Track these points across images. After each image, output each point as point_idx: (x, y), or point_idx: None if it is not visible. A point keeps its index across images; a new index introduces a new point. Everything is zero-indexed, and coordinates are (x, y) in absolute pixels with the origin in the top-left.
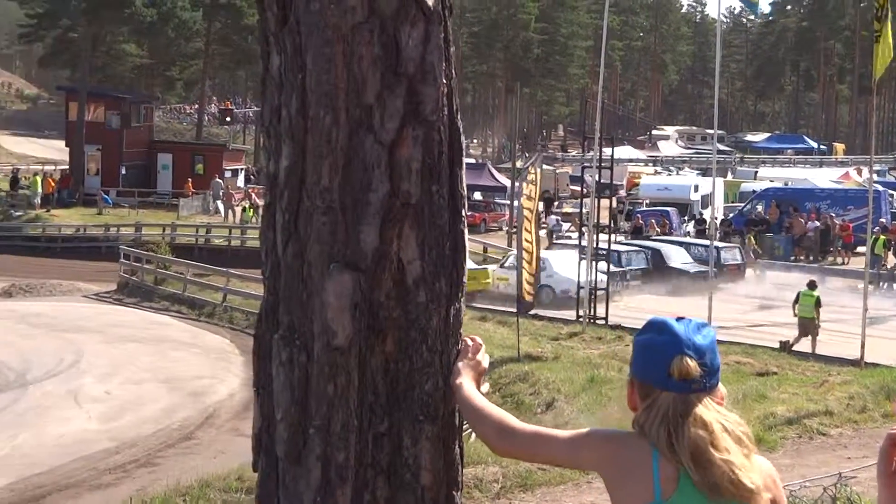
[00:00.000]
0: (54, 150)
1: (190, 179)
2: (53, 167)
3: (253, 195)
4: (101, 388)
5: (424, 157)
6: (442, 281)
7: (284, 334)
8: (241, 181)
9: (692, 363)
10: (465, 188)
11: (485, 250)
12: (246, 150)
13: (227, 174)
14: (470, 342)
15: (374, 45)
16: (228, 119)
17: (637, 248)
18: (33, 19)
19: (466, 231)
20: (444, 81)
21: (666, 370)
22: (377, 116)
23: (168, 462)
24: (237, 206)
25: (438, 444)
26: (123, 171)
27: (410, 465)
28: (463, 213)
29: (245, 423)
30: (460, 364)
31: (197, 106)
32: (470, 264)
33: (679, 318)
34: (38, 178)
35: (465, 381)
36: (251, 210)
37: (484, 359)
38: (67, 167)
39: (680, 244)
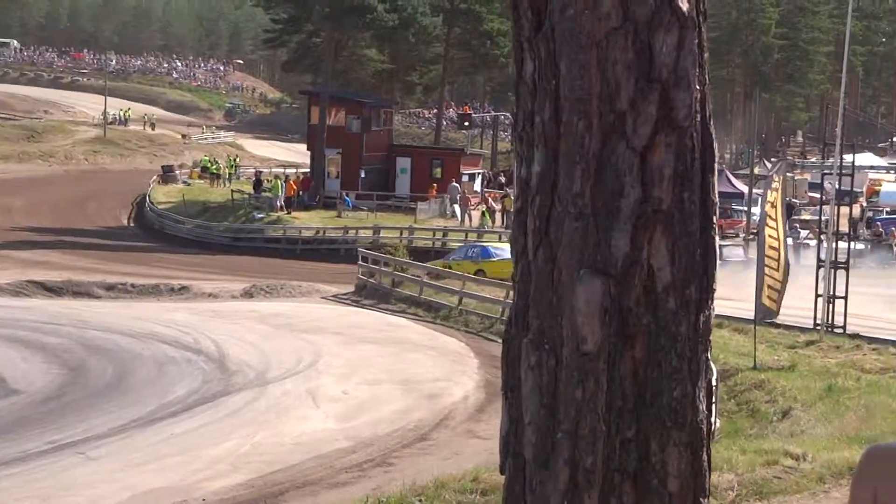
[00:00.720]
0: (295, 154)
1: (434, 184)
2: (295, 170)
3: (490, 199)
4: (339, 388)
5: (676, 164)
6: (692, 288)
7: (533, 338)
8: (477, 185)
9: None
10: (717, 195)
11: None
12: (483, 155)
13: (465, 178)
14: None
15: (628, 50)
16: (467, 123)
17: None
18: (278, 25)
19: (717, 238)
20: (698, 87)
21: None
22: (630, 122)
23: (403, 462)
24: (474, 210)
25: (686, 451)
26: (363, 175)
27: (658, 470)
28: (714, 220)
29: (479, 425)
30: None
31: (435, 110)
32: None
33: None
34: (279, 181)
35: None
36: (488, 214)
37: None
38: (308, 170)
39: None
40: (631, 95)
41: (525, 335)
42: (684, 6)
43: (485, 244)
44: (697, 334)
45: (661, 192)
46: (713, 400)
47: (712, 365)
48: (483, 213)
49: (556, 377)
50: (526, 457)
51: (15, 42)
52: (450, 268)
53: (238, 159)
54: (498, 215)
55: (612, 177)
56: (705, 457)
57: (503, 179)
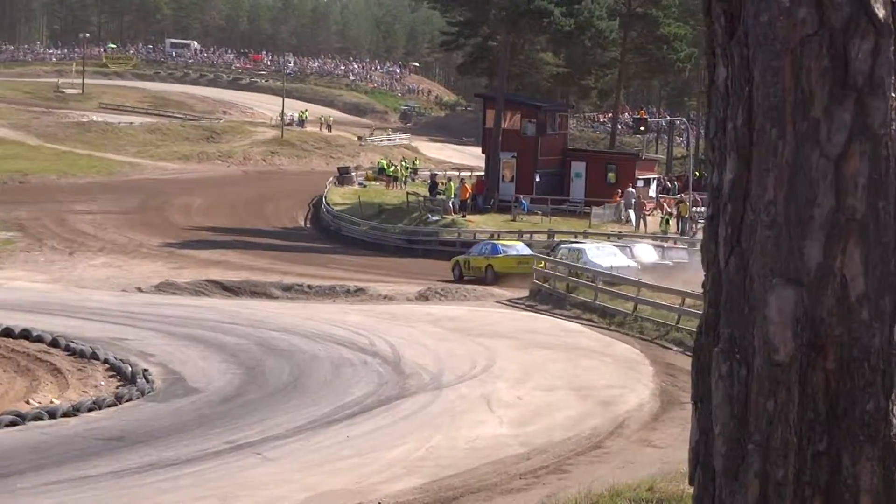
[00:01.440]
0: (469, 156)
1: (619, 190)
2: (469, 173)
3: (665, 205)
4: (514, 393)
5: (871, 172)
6: (886, 299)
7: (724, 348)
8: (652, 191)
9: None
10: None
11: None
12: (659, 160)
13: (640, 183)
14: None
15: (822, 57)
16: (642, 128)
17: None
18: (454, 28)
19: None
20: (894, 95)
21: None
22: (824, 130)
23: (577, 469)
24: (649, 214)
25: (879, 466)
26: (537, 179)
27: (850, 485)
28: None
29: (654, 434)
30: None
31: (610, 114)
32: (524, 250)
33: None
34: (453, 184)
35: None
36: (667, 220)
37: None
38: (483, 173)
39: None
40: (825, 103)
41: (716, 344)
42: (881, 12)
43: (495, 242)
44: (891, 346)
45: (855, 200)
46: None
47: None
48: (664, 220)
49: (747, 387)
50: (715, 468)
51: (195, 43)
52: (468, 262)
53: (417, 161)
54: (673, 221)
55: (806, 185)
56: None
57: (670, 185)
